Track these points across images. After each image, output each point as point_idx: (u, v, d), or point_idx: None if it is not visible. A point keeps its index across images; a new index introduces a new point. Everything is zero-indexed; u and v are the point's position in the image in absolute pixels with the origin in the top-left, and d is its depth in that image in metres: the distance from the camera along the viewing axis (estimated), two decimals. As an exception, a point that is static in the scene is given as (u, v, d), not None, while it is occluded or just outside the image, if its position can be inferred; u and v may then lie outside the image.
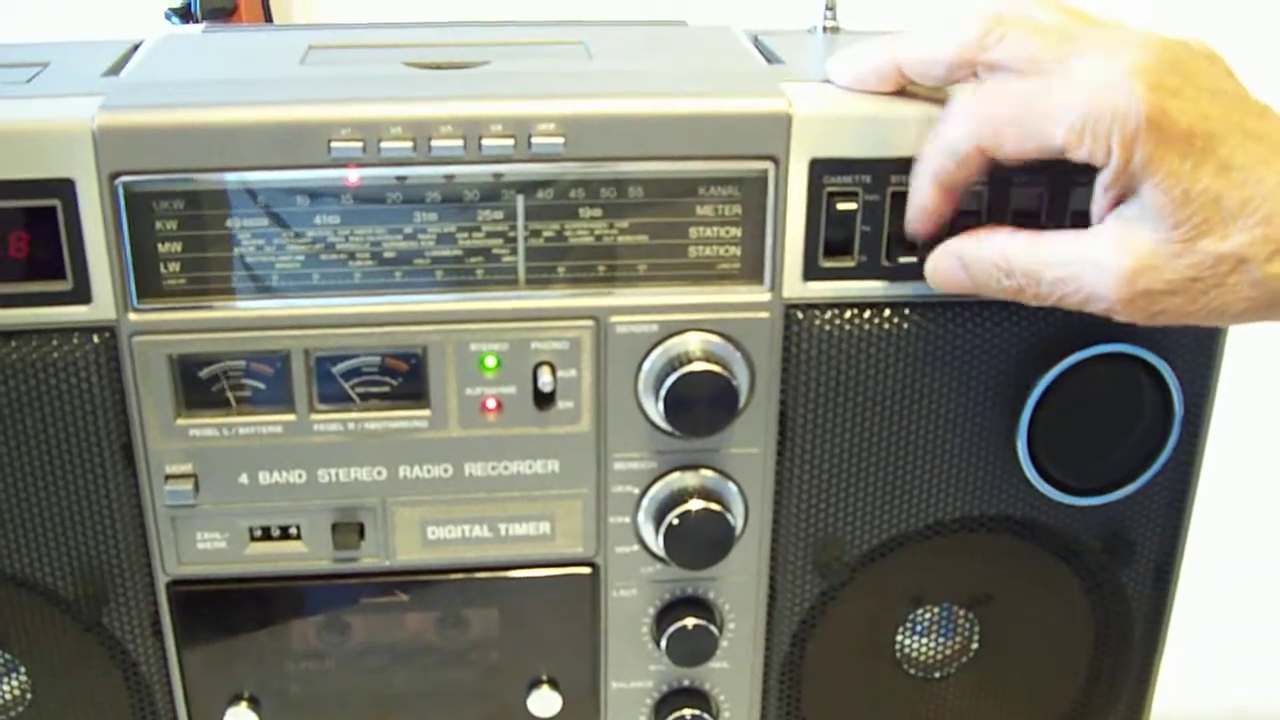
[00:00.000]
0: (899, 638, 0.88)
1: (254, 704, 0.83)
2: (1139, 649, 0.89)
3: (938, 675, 0.90)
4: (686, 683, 0.86)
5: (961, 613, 0.89)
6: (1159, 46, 0.66)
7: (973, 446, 0.81)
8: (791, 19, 0.90)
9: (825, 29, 0.88)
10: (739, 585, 0.83)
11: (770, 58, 0.82)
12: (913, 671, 0.90)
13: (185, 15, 1.69)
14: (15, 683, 0.85)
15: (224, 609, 0.82)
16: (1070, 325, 0.77)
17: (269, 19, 1.78)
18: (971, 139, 0.69)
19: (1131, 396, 0.80)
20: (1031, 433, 0.80)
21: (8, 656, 0.84)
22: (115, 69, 0.80)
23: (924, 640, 0.89)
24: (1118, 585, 0.87)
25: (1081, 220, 0.72)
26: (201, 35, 0.89)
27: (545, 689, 0.84)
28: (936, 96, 0.74)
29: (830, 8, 0.88)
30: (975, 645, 0.89)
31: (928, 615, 0.89)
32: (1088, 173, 0.68)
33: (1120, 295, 0.68)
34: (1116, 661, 0.90)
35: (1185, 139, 0.65)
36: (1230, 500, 1.14)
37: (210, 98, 0.73)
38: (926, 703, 0.90)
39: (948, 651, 0.90)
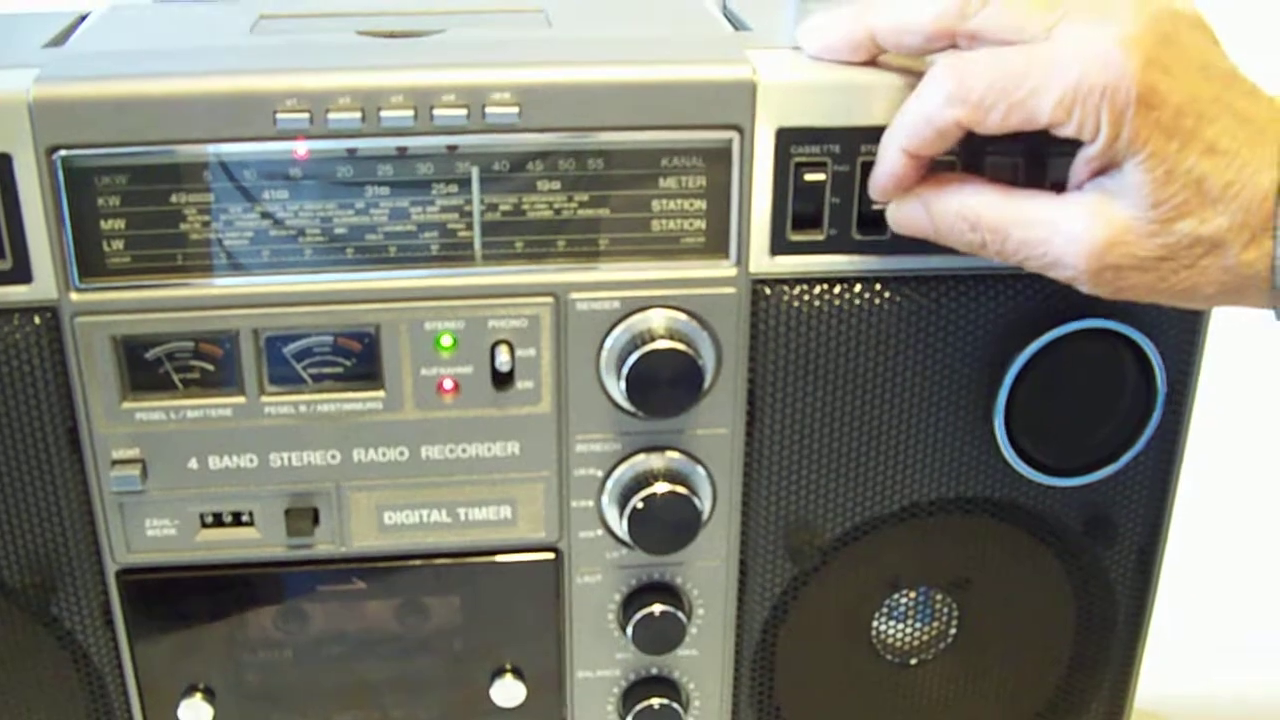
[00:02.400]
0: (875, 623, 0.86)
1: (209, 695, 0.81)
2: (1122, 633, 0.87)
3: (915, 661, 0.88)
4: (655, 671, 0.84)
5: (940, 597, 0.86)
6: (1149, 16, 0.63)
7: (949, 426, 0.79)
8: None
9: (800, -4, 0.85)
10: (708, 570, 0.81)
11: (737, 24, 0.80)
12: (890, 658, 0.87)
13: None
14: (-37, 676, 0.82)
15: (176, 598, 0.79)
16: (1050, 300, 0.75)
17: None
18: (952, 111, 0.66)
19: (1113, 374, 0.78)
20: (1009, 411, 0.78)
21: (-44, 650, 0.81)
22: (58, 40, 0.77)
23: (901, 626, 0.87)
24: (1100, 568, 0.85)
25: (1058, 188, 0.69)
26: (152, 5, 0.86)
27: (509, 678, 0.82)
28: (910, 66, 0.71)
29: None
30: (954, 630, 0.87)
31: (905, 600, 0.87)
32: (1067, 143, 0.66)
33: (1088, 266, 0.65)
34: (1099, 646, 0.87)
35: (1174, 119, 0.62)
36: (1216, 482, 1.12)
37: (152, 68, 0.70)
38: (904, 690, 0.88)
39: (926, 637, 0.88)
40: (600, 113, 0.71)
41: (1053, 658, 0.88)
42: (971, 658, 0.88)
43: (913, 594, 0.86)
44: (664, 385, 0.74)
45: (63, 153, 0.69)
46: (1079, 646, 0.87)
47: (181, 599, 0.79)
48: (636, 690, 0.84)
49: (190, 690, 0.81)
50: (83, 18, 0.82)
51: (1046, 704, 0.89)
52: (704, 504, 0.77)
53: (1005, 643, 0.87)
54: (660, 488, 0.76)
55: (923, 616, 0.87)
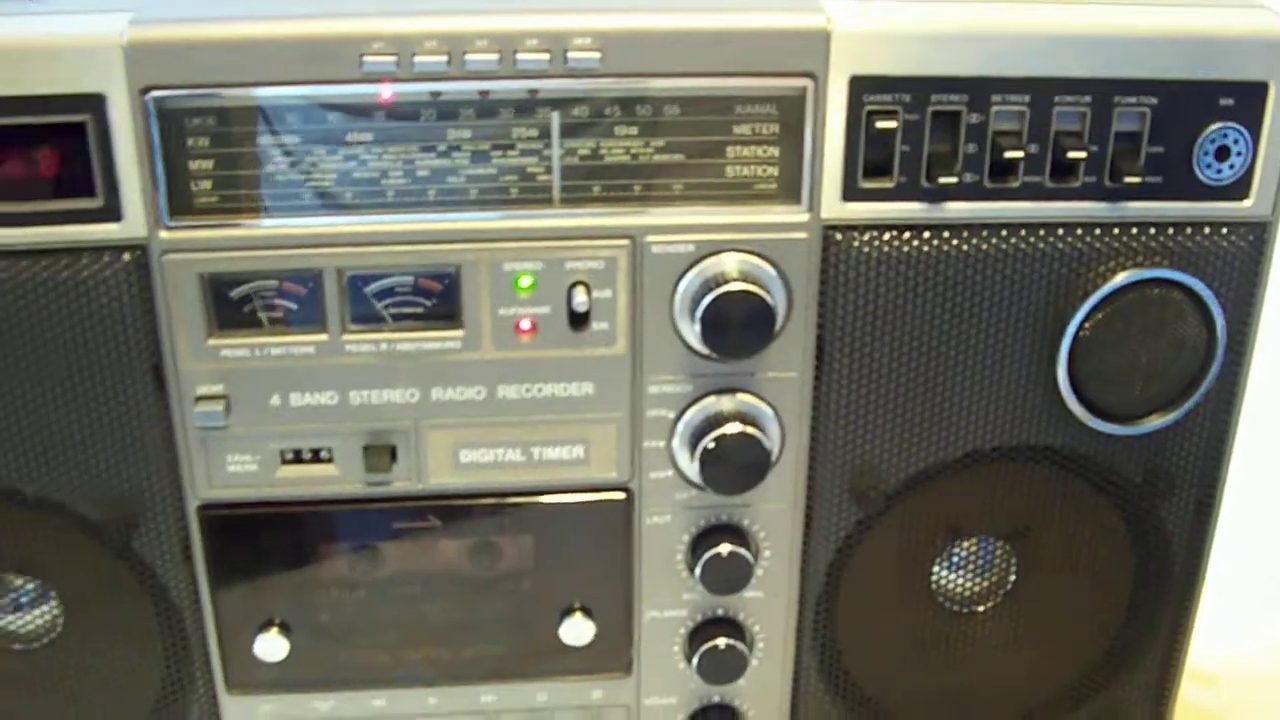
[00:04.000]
0: (935, 570, 0.88)
1: (285, 630, 0.84)
2: (1179, 584, 0.89)
3: (974, 610, 0.89)
4: (721, 612, 0.86)
5: (999, 546, 0.88)
6: None
7: (1013, 373, 0.81)
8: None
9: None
10: (774, 513, 0.83)
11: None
12: (949, 605, 0.89)
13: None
14: (46, 611, 0.85)
15: (254, 533, 0.82)
16: (1113, 248, 0.77)
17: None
18: None
19: (1173, 323, 0.79)
20: (1072, 359, 0.80)
21: (39, 584, 0.84)
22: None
23: (961, 574, 0.88)
24: (1158, 518, 0.86)
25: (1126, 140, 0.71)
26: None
27: (578, 617, 0.85)
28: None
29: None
30: (1012, 579, 0.89)
31: (965, 548, 0.88)
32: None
33: None
34: (1155, 596, 0.89)
35: None
36: (1273, 435, 1.13)
37: (243, 11, 0.72)
38: (962, 637, 0.90)
39: (984, 586, 0.89)
40: (678, 59, 0.73)
41: (1109, 608, 0.90)
42: (1029, 607, 0.89)
43: (973, 542, 0.88)
44: (736, 327, 0.76)
45: (155, 94, 0.71)
46: (1135, 597, 0.89)
47: (260, 535, 0.82)
48: (703, 631, 0.86)
49: (266, 625, 0.84)
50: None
51: (1103, 654, 0.91)
52: (773, 446, 0.79)
53: (1063, 593, 0.89)
54: (731, 428, 0.78)
55: (982, 566, 0.89)
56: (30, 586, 0.85)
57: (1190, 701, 1.01)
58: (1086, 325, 0.79)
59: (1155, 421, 0.82)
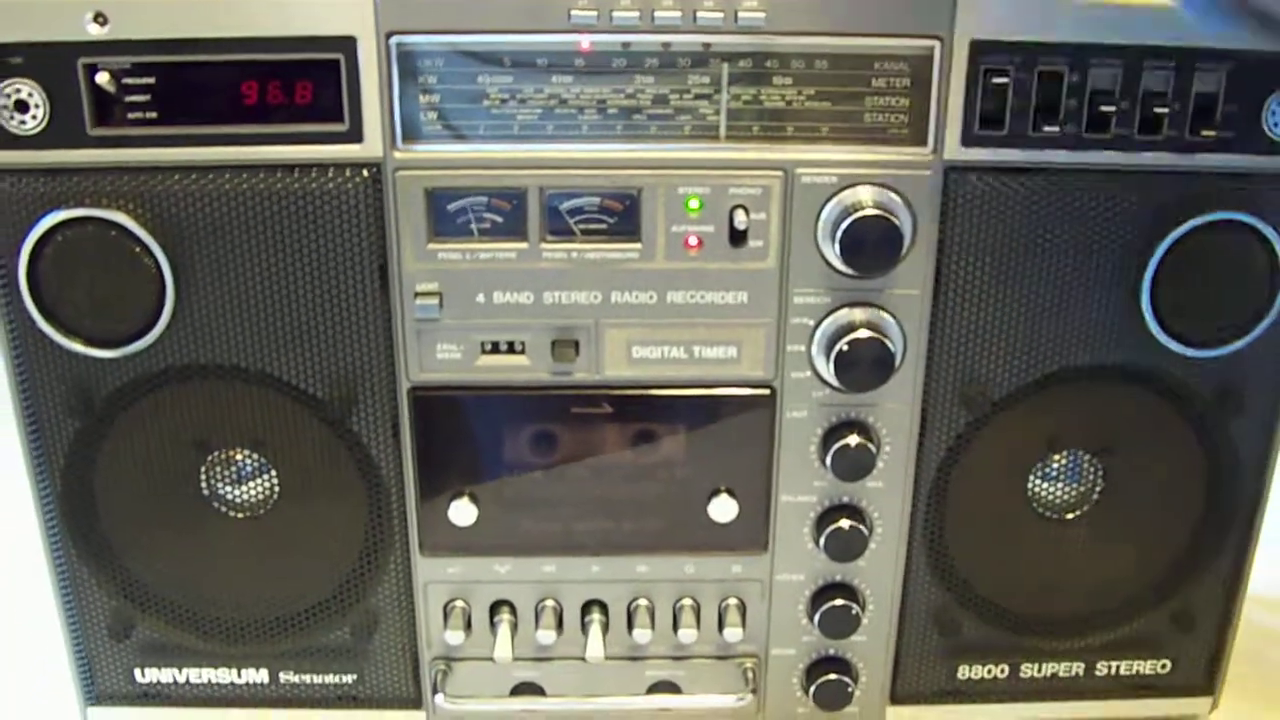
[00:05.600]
0: (1032, 479, 1.00)
1: (474, 499, 0.97)
2: (1246, 495, 1.00)
3: (1065, 516, 1.01)
4: (846, 499, 0.99)
5: (1088, 459, 1.00)
6: None
7: (1102, 300, 0.93)
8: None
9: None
10: (895, 412, 0.96)
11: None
12: (1043, 511, 1.01)
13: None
14: (265, 482, 0.99)
15: (455, 413, 0.95)
16: (1190, 192, 0.90)
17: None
18: None
19: (1243, 260, 0.91)
20: (1154, 289, 0.92)
21: (261, 459, 0.98)
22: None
23: (1054, 484, 1.01)
24: (1227, 435, 0.98)
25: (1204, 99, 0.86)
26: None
27: (724, 497, 0.97)
28: None
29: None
30: (1099, 490, 1.01)
31: (1058, 461, 1.00)
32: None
33: None
34: (1226, 506, 1.00)
35: None
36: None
37: (471, -28, 0.87)
38: (1055, 540, 1.02)
39: (1074, 494, 1.01)
40: (827, 21, 0.87)
41: (1185, 517, 1.01)
42: (1113, 515, 1.01)
43: (1065, 455, 1.00)
44: (869, 247, 0.89)
45: (397, 38, 0.86)
46: (1208, 506, 1.01)
47: (460, 415, 0.96)
48: (830, 515, 0.99)
49: (459, 494, 0.97)
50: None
51: (1178, 559, 1.02)
52: (896, 351, 0.92)
53: (1143, 503, 1.00)
54: (862, 334, 0.92)
55: (1072, 476, 1.01)
56: (251, 460, 0.98)
57: (1254, 620, 1.11)
58: (1167, 260, 0.91)
59: (1227, 346, 0.94)
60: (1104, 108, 0.88)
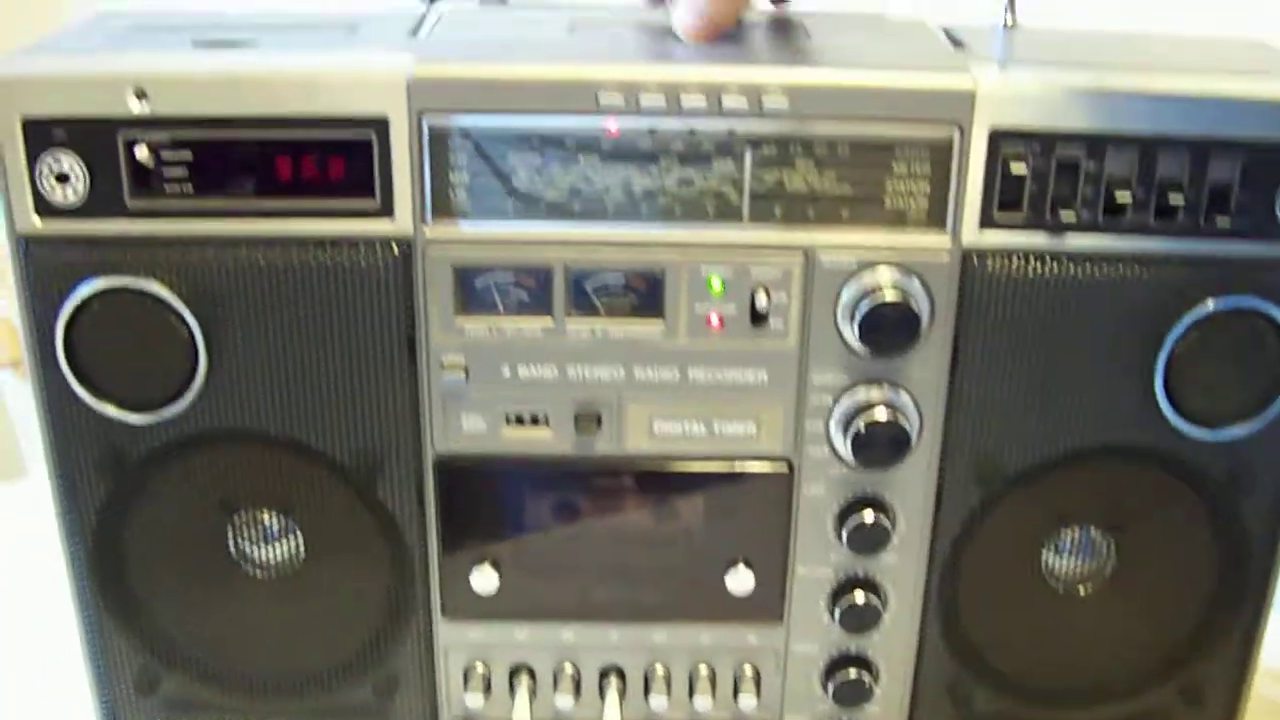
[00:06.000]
0: (1045, 553, 1.01)
1: (496, 566, 0.99)
2: (1257, 574, 1.01)
3: (1077, 590, 1.02)
4: (861, 573, 1.00)
5: (1100, 535, 1.01)
6: None
7: (1115, 381, 0.94)
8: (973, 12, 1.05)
9: (1006, 25, 1.02)
10: (911, 489, 0.97)
11: (957, 43, 0.97)
12: (1055, 585, 1.03)
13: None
14: (291, 543, 1.01)
15: (480, 483, 0.97)
16: (1204, 278, 0.91)
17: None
18: None
19: (1255, 344, 0.93)
20: (1168, 371, 0.93)
21: (286, 520, 1.00)
22: (413, 31, 0.97)
23: (1066, 558, 1.02)
24: (1239, 514, 0.99)
25: (1219, 188, 0.88)
26: (478, 9, 1.06)
27: (741, 569, 0.99)
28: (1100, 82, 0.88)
29: (1011, 9, 1.02)
30: (1111, 566, 1.02)
31: (1071, 535, 1.02)
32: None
33: None
34: (1236, 585, 1.01)
35: None
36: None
37: (502, 56, 0.89)
38: (1067, 613, 1.03)
39: (1087, 569, 1.02)
40: (851, 108, 0.88)
41: (1195, 595, 1.02)
42: (1124, 591, 1.02)
43: (1078, 530, 1.01)
44: (888, 331, 0.91)
45: (429, 118, 0.88)
46: (1219, 584, 1.01)
47: (484, 484, 0.97)
48: (845, 588, 1.00)
49: (482, 561, 0.99)
50: (423, 17, 1.01)
51: (1189, 635, 1.03)
52: (912, 431, 0.94)
53: (1154, 579, 1.01)
54: (879, 414, 0.93)
55: (1085, 551, 1.02)
56: (278, 522, 1.00)
57: (1265, 694, 1.12)
58: (1181, 343, 0.92)
59: (1239, 428, 0.95)
60: (1120, 195, 0.90)
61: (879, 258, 0.91)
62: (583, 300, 0.92)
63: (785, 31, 0.98)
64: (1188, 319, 0.92)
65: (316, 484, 0.97)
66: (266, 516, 1.00)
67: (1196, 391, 0.94)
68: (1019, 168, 0.90)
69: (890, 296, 0.90)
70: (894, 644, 1.02)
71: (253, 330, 0.92)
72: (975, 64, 0.90)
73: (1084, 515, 1.00)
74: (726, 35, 0.94)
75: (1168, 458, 0.97)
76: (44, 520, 0.99)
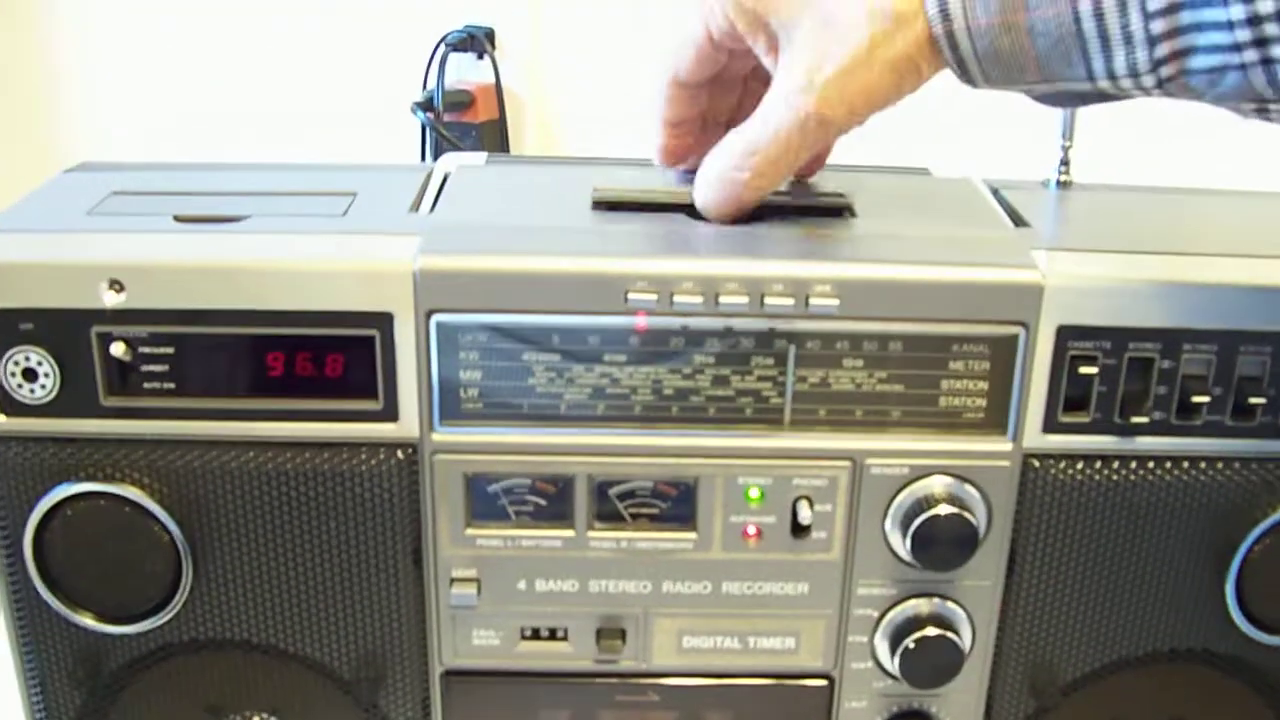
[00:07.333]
0: (1099, 757, 0.95)
1: (507, 785, 0.91)
2: (1320, 778, 0.95)
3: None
4: (907, 791, 0.93)
5: (1158, 737, 0.95)
6: None
7: (1184, 587, 0.87)
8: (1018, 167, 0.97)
9: (1059, 182, 0.95)
10: (960, 701, 0.90)
11: (1016, 219, 0.89)
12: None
13: (428, 108, 1.81)
14: (283, 746, 0.93)
15: (491, 698, 0.89)
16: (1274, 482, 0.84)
17: (502, 112, 1.88)
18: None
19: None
20: (1240, 577, 0.86)
21: (279, 723, 0.92)
22: (416, 204, 0.88)
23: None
24: (1304, 716, 0.93)
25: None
26: (486, 168, 0.97)
27: (777, 785, 0.91)
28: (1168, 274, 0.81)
29: (1065, 162, 0.95)
30: (1168, 767, 0.95)
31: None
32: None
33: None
34: (1298, 788, 0.95)
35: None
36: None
37: (517, 246, 0.81)
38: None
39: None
40: (906, 305, 0.81)
41: None
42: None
43: (1135, 732, 0.95)
44: (943, 545, 0.83)
45: (438, 316, 0.80)
46: (1282, 789, 0.96)
47: (495, 699, 0.90)
48: (889, 804, 0.93)
49: (490, 779, 0.91)
50: (428, 175, 0.93)
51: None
52: (965, 644, 0.87)
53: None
54: (931, 631, 0.86)
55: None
56: None
57: None
58: (1256, 548, 0.86)
59: (1311, 634, 0.89)
60: (1196, 396, 0.83)
61: (933, 466, 0.84)
62: (607, 508, 0.85)
63: (828, 209, 0.89)
64: (1264, 524, 0.85)
65: (313, 692, 0.90)
66: (256, 719, 0.92)
67: (1270, 597, 0.87)
68: (1089, 368, 0.82)
69: (945, 510, 0.83)
70: None
71: (242, 539, 0.85)
72: (1039, 251, 0.82)
73: (1140, 717, 0.93)
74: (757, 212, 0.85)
75: (1231, 661, 0.91)
76: None
